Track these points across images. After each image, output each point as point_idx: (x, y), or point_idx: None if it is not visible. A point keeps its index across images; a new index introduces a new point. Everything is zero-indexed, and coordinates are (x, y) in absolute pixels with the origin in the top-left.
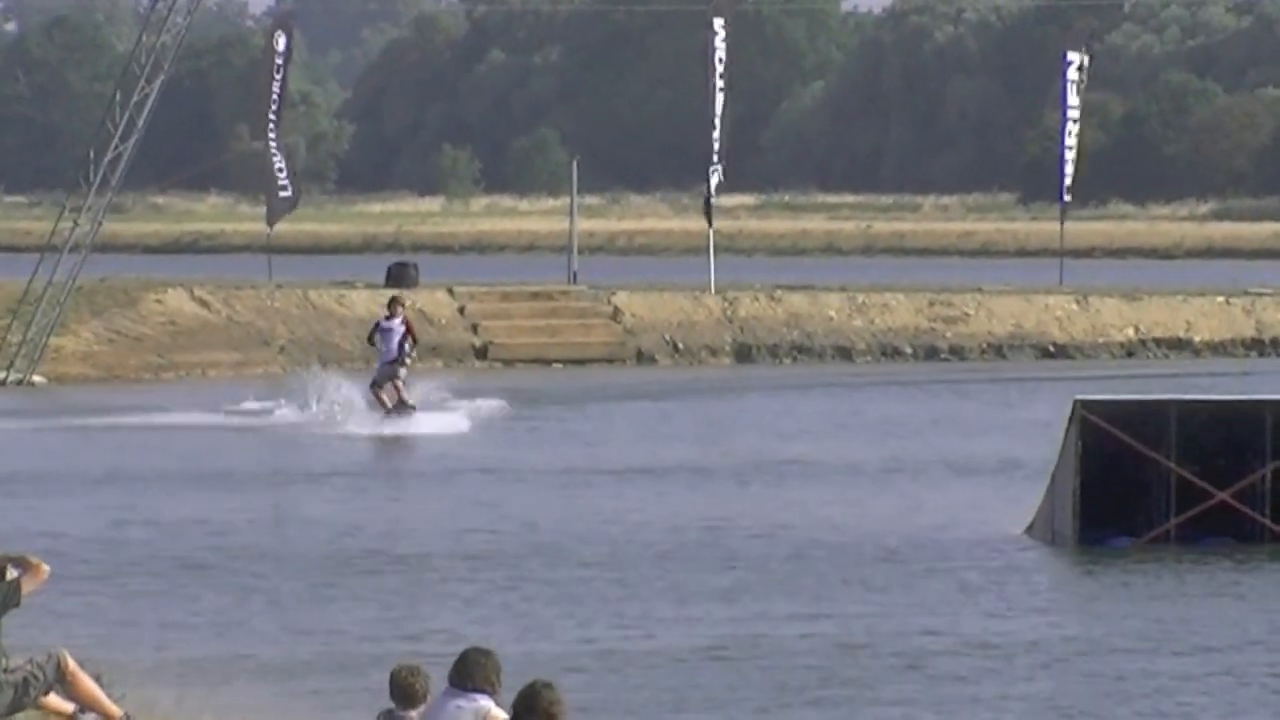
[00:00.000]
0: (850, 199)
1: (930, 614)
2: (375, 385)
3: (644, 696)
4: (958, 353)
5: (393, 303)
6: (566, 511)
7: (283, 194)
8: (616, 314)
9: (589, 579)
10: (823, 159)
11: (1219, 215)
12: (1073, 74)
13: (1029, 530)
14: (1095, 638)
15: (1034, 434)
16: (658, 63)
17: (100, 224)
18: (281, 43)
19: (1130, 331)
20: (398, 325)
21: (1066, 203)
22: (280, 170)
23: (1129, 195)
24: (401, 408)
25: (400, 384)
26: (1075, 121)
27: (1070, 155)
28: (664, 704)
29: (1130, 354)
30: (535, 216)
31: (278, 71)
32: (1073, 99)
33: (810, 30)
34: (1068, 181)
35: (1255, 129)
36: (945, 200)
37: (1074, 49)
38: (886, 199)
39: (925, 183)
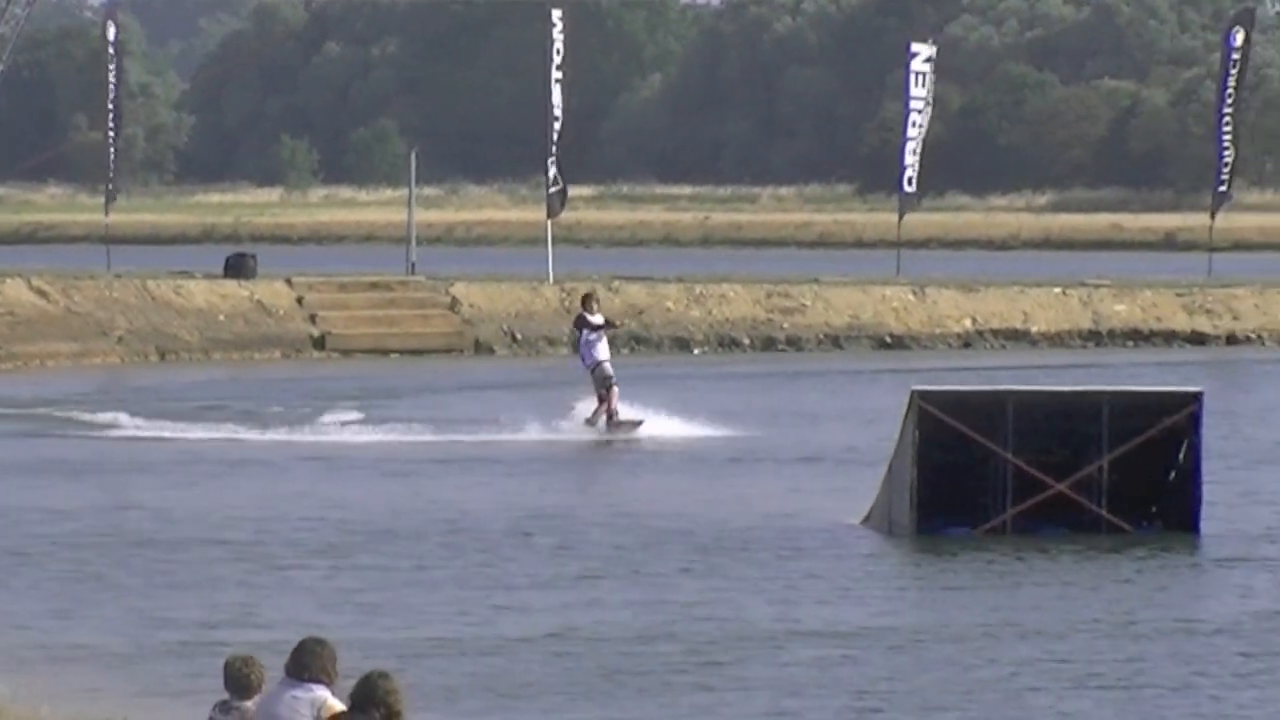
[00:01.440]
0: (688, 190)
1: (767, 603)
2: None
3: (479, 683)
4: (795, 343)
5: (588, 299)
6: (406, 500)
7: (110, 186)
8: (455, 304)
9: (427, 567)
10: (661, 151)
11: (1056, 207)
12: (918, 65)
13: (866, 520)
14: (931, 626)
15: (871, 424)
16: (497, 54)
17: None
18: (111, 33)
19: (967, 322)
20: (601, 320)
21: (908, 194)
22: (112, 161)
23: (966, 187)
24: (621, 423)
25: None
26: (920, 113)
27: (913, 147)
28: (499, 691)
29: (967, 345)
30: (374, 207)
31: (111, 62)
32: (917, 90)
33: (649, 22)
34: (910, 173)
35: (1093, 120)
36: (783, 191)
37: (920, 40)
38: (725, 190)
39: (763, 174)
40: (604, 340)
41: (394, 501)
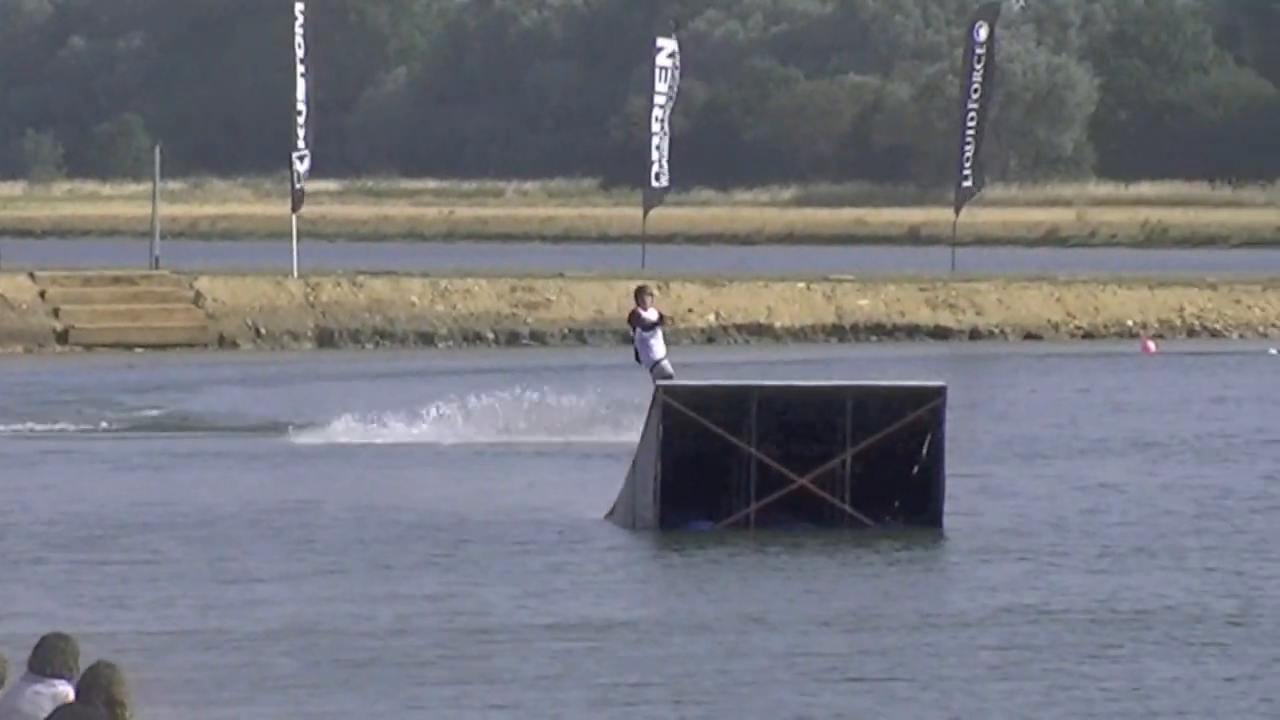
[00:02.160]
0: (433, 185)
1: (512, 596)
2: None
3: (224, 676)
4: (539, 338)
5: (641, 293)
6: (149, 494)
7: None
8: (199, 298)
9: (170, 560)
10: (406, 145)
11: (800, 201)
12: (663, 60)
13: (610, 515)
14: (676, 619)
15: (618, 419)
16: (242, 48)
17: None
18: None
19: (711, 317)
20: (655, 316)
21: (654, 188)
22: None
23: (711, 181)
24: None
25: None
26: (664, 109)
27: (659, 141)
28: (244, 684)
29: (711, 340)
30: (118, 201)
31: None
32: (661, 85)
33: (394, 16)
34: (657, 168)
35: (837, 115)
36: (528, 186)
37: (665, 35)
38: (469, 185)
39: (508, 168)
40: (659, 336)
41: (137, 495)
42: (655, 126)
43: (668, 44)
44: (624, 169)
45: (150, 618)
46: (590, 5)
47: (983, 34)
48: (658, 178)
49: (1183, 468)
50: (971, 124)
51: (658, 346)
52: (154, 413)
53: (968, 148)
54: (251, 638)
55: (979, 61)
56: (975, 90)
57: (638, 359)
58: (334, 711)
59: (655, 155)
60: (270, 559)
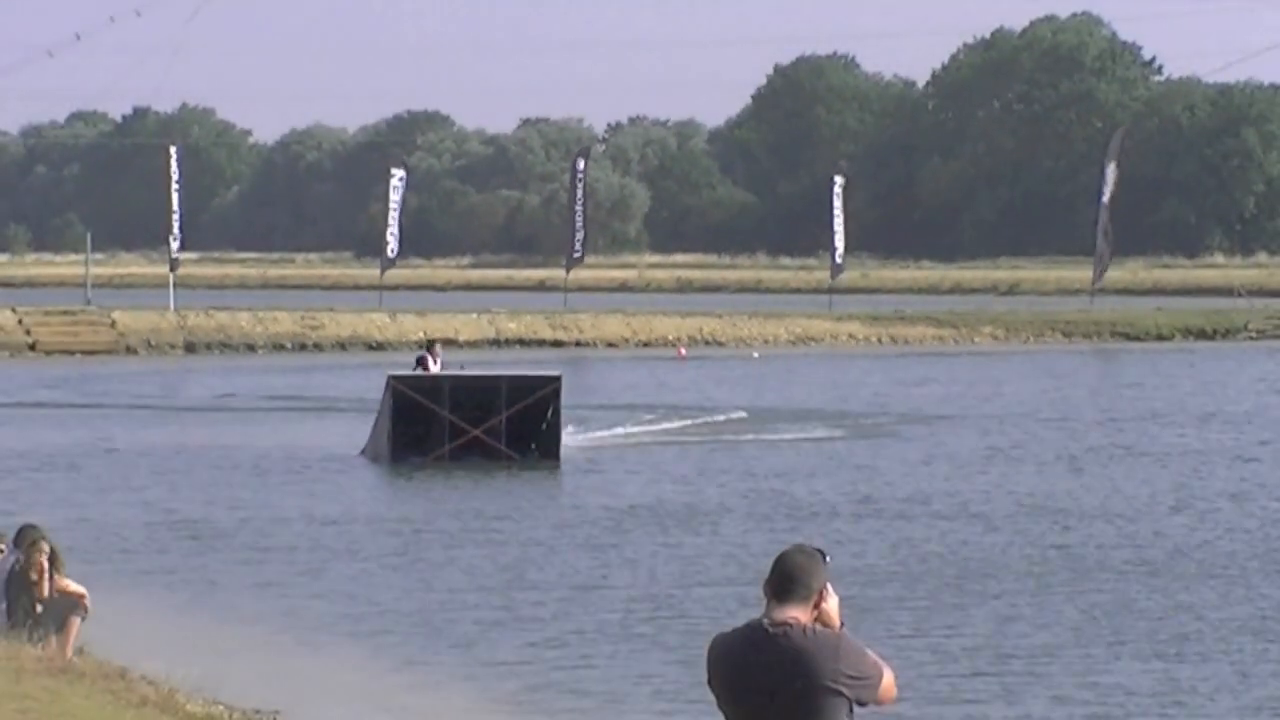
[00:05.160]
0: None
1: (296, 502)
2: None
3: None
4: None
5: (433, 345)
6: None
7: None
8: None
9: None
10: None
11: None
12: (395, 181)
13: (362, 453)
14: (411, 516)
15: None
16: None
17: None
18: None
19: None
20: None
21: (389, 258)
22: None
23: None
24: None
25: None
26: (396, 208)
27: (394, 229)
28: None
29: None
30: None
31: None
32: (394, 197)
33: None
34: (394, 244)
35: (493, 216)
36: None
37: (396, 166)
38: None
39: None
40: None
41: None
42: (391, 220)
43: (398, 171)
44: (369, 247)
45: None
46: (345, 145)
47: (582, 164)
48: (393, 251)
49: (671, 450)
50: (580, 220)
51: None
52: None
53: (578, 235)
54: None
55: (579, 181)
56: (580, 200)
57: None
58: None
59: (389, 238)
60: None
